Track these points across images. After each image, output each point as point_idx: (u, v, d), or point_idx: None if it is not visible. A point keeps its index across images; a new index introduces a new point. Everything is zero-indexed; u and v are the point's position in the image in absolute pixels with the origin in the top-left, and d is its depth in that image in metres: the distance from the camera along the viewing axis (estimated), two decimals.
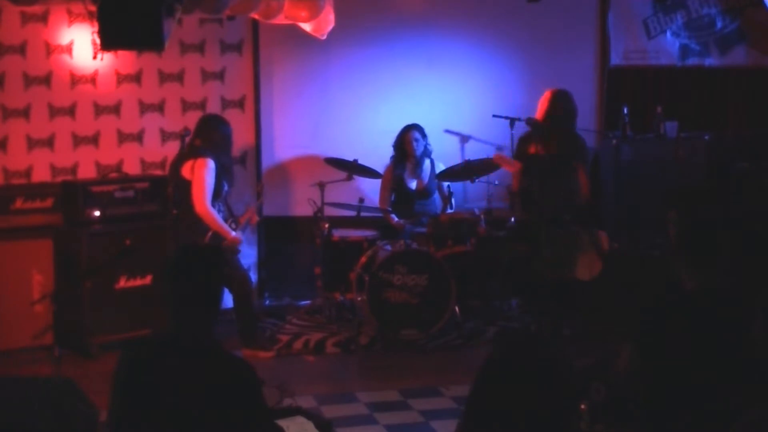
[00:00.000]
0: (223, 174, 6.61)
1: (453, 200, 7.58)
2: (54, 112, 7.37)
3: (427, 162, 7.86)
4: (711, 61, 8.55)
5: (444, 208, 7.59)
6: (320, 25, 7.20)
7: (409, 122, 7.84)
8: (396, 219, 7.70)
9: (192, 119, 7.22)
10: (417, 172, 7.82)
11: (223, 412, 2.96)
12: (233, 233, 6.59)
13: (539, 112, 6.85)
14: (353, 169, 7.55)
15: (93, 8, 6.09)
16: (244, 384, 3.04)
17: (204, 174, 6.44)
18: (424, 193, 7.87)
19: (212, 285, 3.18)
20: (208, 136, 6.62)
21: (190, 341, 3.08)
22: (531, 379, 2.18)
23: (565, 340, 6.85)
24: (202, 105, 7.81)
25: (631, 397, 2.66)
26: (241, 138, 7.94)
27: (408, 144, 7.76)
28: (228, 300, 6.63)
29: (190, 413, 2.94)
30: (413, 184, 7.86)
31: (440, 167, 7.79)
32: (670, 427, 2.63)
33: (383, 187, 7.95)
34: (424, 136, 7.79)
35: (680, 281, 2.70)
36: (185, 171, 6.53)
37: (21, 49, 7.21)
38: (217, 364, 3.07)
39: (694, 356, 2.56)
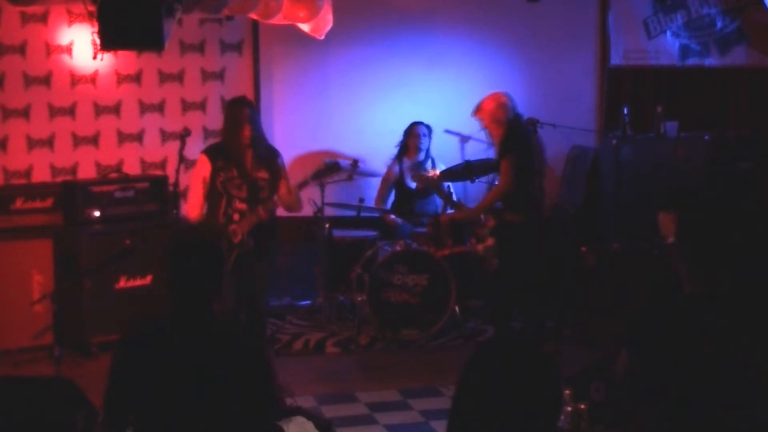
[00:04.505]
0: None
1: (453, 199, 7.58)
2: (54, 112, 7.37)
3: (428, 162, 7.86)
4: (711, 61, 8.55)
5: (444, 208, 7.59)
6: (319, 25, 7.19)
7: (410, 121, 7.86)
8: (392, 217, 7.67)
9: (192, 119, 7.23)
10: (417, 170, 7.83)
11: (229, 385, 2.96)
12: None
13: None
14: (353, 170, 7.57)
15: (93, 8, 6.08)
16: (249, 356, 3.05)
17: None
18: (424, 192, 7.87)
19: (213, 262, 3.21)
20: None
21: (193, 318, 3.10)
22: (509, 379, 2.18)
23: (565, 340, 6.86)
24: (202, 105, 7.81)
25: (631, 397, 2.66)
26: None
27: (414, 137, 7.77)
28: None
29: (195, 389, 2.94)
30: (413, 183, 7.86)
31: (441, 167, 7.79)
32: (670, 427, 2.63)
33: (382, 184, 7.94)
34: (430, 133, 7.82)
35: (680, 282, 2.69)
36: None
37: (21, 49, 7.22)
38: (222, 340, 3.08)
39: (694, 358, 2.56)
